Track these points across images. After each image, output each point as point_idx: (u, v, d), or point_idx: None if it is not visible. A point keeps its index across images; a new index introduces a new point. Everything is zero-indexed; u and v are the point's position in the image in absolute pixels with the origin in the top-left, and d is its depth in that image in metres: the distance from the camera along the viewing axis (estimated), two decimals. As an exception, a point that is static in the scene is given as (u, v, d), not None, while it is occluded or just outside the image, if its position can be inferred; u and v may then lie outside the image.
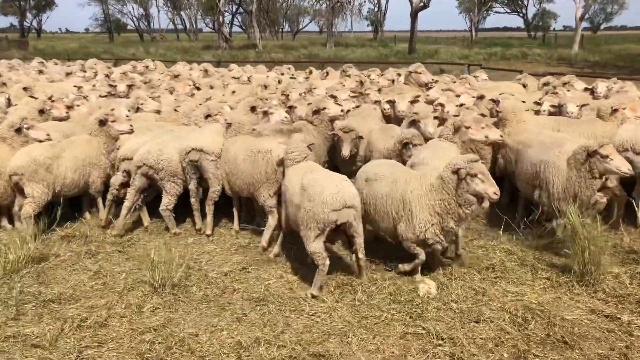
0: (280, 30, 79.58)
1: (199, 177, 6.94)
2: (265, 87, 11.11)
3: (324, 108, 7.54)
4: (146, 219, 7.29)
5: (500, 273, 5.76)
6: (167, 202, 6.97)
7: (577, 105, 7.61)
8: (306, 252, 5.47)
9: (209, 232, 6.93)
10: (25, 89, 11.30)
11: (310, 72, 13.82)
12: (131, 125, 7.34)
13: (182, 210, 7.46)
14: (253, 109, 8.14)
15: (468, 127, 6.57)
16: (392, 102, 8.52)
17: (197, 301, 5.33)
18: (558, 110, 7.84)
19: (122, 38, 79.75)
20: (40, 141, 7.12)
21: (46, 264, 6.09)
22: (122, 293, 5.47)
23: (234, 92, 10.88)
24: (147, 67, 15.55)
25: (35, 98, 9.70)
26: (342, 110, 7.64)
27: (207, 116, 7.80)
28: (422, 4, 41.84)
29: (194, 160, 6.78)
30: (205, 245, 6.72)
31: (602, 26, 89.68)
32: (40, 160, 6.66)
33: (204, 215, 7.07)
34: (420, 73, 11.25)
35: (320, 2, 63.96)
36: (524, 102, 8.17)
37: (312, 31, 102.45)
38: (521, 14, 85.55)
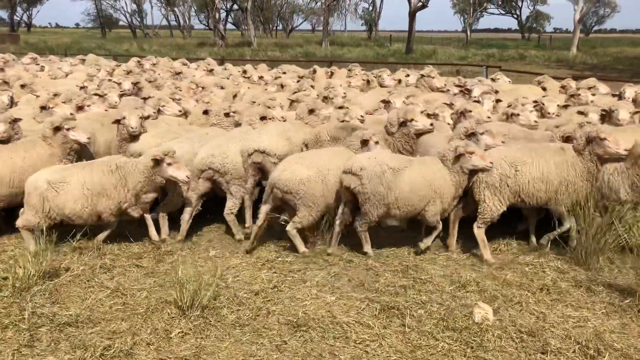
0: (275, 28, 78.99)
1: (259, 178, 6.81)
2: (282, 86, 10.59)
3: (412, 120, 6.86)
4: (165, 231, 6.77)
5: (556, 295, 5.32)
6: (232, 205, 6.73)
7: (630, 112, 7.16)
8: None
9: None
10: (23, 86, 10.75)
11: (315, 72, 13.28)
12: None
13: (199, 219, 7.02)
14: (312, 111, 7.60)
15: (604, 139, 5.87)
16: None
17: (230, 325, 4.83)
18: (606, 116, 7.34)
19: (114, 34, 78.76)
20: (80, 144, 6.82)
21: (58, 280, 5.56)
22: (145, 315, 4.96)
23: (234, 95, 10.22)
24: (154, 64, 14.94)
25: (37, 96, 9.17)
26: (431, 124, 6.92)
27: (262, 117, 7.46)
28: (420, 3, 41.43)
29: (257, 162, 6.60)
30: (229, 260, 6.21)
31: (594, 29, 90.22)
32: (39, 185, 6.05)
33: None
34: (433, 77, 10.71)
35: (316, 0, 63.35)
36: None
37: (304, 30, 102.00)
38: (515, 16, 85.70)
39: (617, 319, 4.90)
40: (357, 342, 4.58)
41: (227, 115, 7.79)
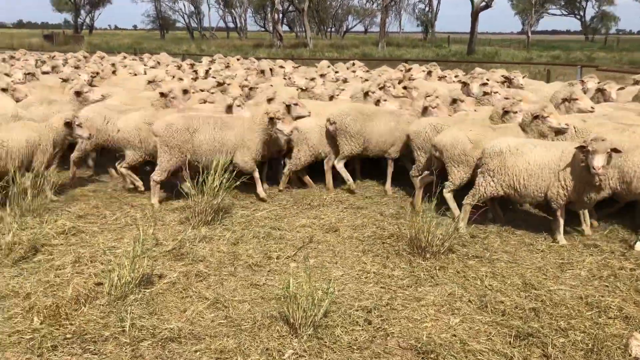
0: (330, 30, 78.69)
1: None
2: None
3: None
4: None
5: None
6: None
7: None
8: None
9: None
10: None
11: (409, 70, 12.69)
12: None
13: (286, 225, 6.56)
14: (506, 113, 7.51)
15: None
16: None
17: (346, 348, 4.32)
18: None
19: (171, 35, 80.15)
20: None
21: (154, 288, 5.18)
22: (253, 332, 4.50)
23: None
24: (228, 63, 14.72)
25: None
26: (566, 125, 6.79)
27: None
28: (484, 3, 40.14)
29: None
30: (330, 271, 5.67)
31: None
32: None
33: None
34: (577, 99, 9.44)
35: (374, 1, 62.65)
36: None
37: (357, 31, 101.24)
38: (578, 16, 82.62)
39: None
40: (498, 374, 3.99)
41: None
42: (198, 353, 4.22)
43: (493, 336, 4.48)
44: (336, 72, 13.11)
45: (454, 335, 4.49)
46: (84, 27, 78.63)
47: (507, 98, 7.99)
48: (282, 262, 5.90)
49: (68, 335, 4.38)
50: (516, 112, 7.24)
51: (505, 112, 7.36)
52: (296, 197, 8.04)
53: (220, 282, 5.41)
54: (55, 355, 4.16)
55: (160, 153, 7.38)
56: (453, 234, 5.99)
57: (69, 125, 7.36)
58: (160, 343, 4.34)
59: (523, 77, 11.21)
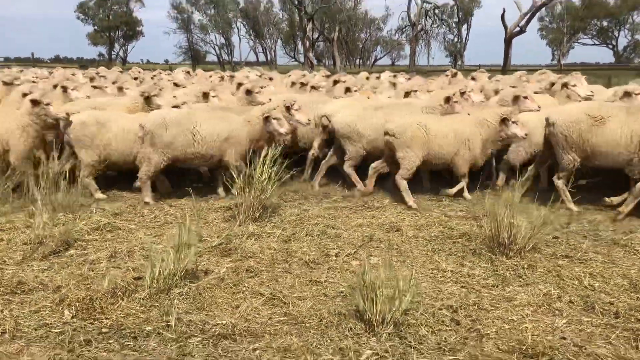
0: (359, 60, 78.87)
1: None
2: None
3: None
4: None
5: None
6: None
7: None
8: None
9: None
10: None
11: (455, 75, 12.11)
12: None
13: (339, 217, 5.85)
14: None
15: None
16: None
17: (436, 349, 3.56)
18: None
19: (201, 67, 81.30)
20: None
21: (200, 282, 4.51)
22: (320, 330, 3.79)
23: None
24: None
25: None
26: None
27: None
28: (517, 29, 39.50)
29: None
30: (400, 269, 4.91)
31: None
32: None
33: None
34: None
35: (403, 31, 62.60)
36: None
37: (383, 64, 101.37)
38: (610, 46, 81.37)
39: None
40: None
41: None
42: (258, 352, 3.52)
43: (612, 340, 3.68)
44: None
45: (564, 338, 3.71)
46: (118, 60, 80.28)
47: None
48: (342, 259, 5.18)
49: (104, 330, 3.74)
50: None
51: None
52: (348, 197, 7.34)
53: (274, 278, 4.71)
54: (88, 350, 3.51)
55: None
56: (541, 228, 5.19)
57: (267, 120, 7.06)
58: (211, 340, 3.66)
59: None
